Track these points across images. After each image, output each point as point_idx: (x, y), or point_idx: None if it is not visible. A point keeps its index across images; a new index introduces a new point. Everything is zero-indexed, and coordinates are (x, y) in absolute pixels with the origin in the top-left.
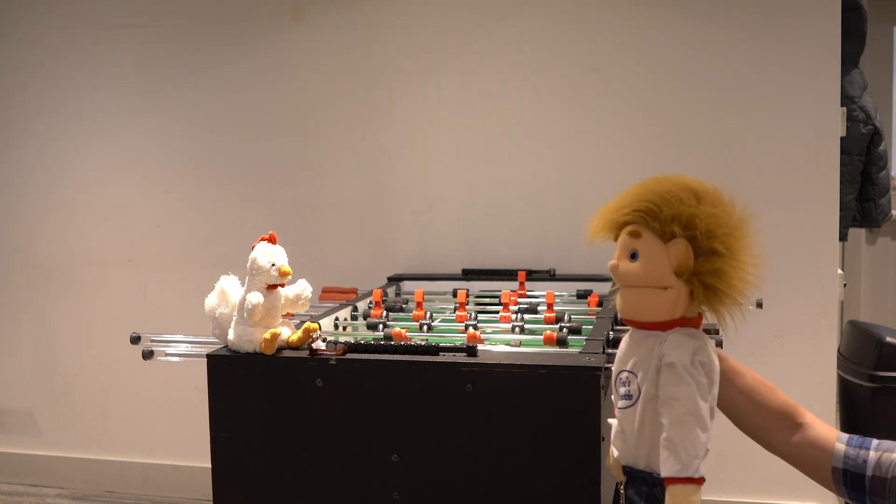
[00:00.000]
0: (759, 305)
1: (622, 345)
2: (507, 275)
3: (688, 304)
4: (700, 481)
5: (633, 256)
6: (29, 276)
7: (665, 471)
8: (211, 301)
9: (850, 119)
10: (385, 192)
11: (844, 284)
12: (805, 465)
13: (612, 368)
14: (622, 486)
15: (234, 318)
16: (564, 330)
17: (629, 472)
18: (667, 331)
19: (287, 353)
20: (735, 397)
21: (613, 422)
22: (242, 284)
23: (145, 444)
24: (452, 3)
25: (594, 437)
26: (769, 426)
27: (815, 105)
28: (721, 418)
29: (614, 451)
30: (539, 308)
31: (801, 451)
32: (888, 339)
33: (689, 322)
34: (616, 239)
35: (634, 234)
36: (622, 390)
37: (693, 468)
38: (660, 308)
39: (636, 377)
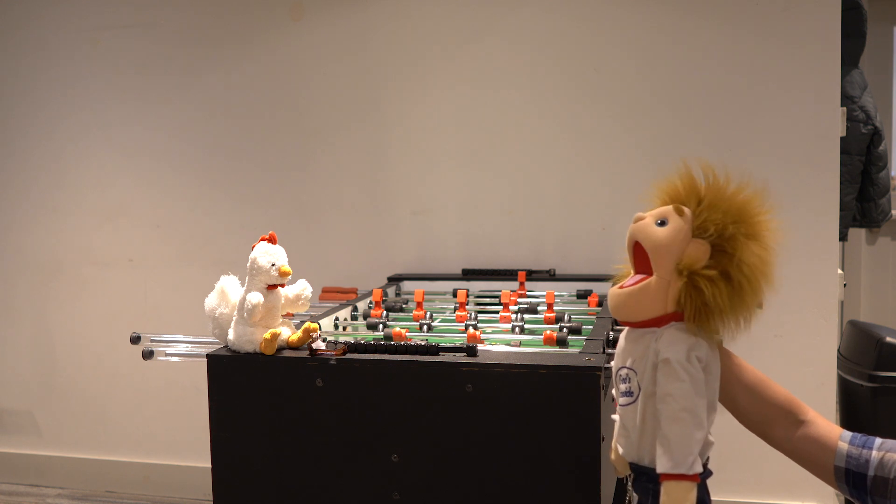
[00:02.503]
0: (759, 306)
1: (620, 341)
2: (507, 275)
3: (680, 298)
4: (695, 478)
5: (663, 223)
6: (29, 276)
7: (660, 467)
8: (211, 301)
9: (850, 119)
10: (385, 192)
11: (844, 284)
12: (807, 462)
13: (612, 365)
14: (629, 482)
15: (234, 318)
16: (564, 330)
17: (634, 468)
18: (662, 326)
19: (287, 353)
20: (737, 392)
21: (616, 418)
22: (242, 284)
23: (145, 444)
24: (452, 4)
25: (594, 437)
26: (771, 421)
27: (815, 105)
28: (722, 416)
29: (619, 448)
30: (539, 308)
31: (803, 448)
32: (888, 339)
33: (684, 317)
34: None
35: (679, 211)
36: (623, 387)
37: (687, 465)
38: (650, 305)
39: (636, 374)
